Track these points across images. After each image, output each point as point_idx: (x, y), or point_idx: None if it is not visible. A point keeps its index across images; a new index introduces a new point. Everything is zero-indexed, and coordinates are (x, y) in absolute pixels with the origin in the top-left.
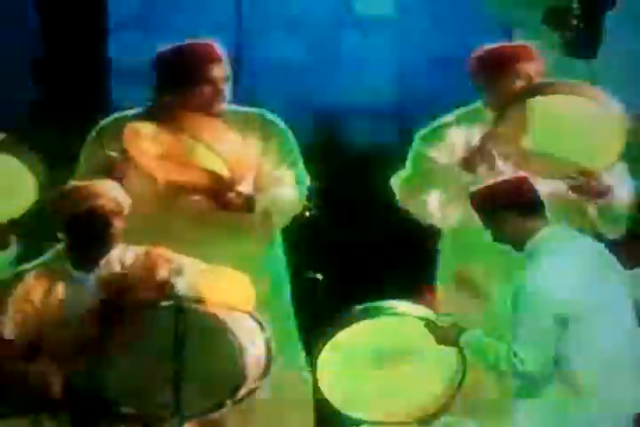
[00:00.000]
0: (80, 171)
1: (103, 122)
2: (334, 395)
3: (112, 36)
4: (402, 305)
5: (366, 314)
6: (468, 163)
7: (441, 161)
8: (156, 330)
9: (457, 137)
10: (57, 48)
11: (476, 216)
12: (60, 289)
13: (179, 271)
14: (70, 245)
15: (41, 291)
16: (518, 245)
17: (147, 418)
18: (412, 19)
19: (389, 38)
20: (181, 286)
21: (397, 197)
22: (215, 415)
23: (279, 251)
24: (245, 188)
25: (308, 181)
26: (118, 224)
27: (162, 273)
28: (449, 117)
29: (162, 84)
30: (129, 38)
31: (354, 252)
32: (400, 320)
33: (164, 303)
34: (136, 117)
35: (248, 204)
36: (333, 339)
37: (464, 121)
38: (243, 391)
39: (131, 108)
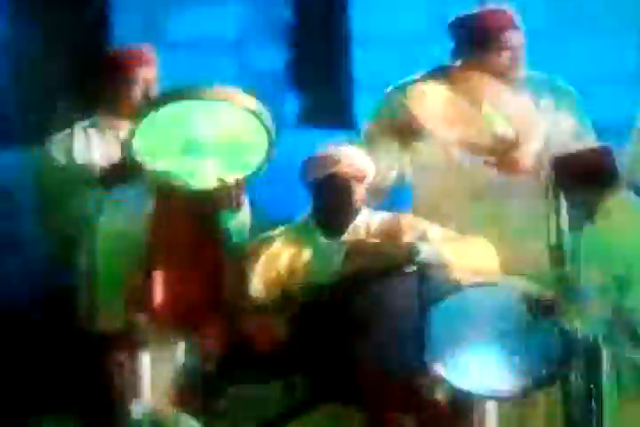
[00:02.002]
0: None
1: (401, 83)
2: None
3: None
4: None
5: None
6: None
7: None
8: (400, 296)
9: None
10: (304, 15)
11: None
12: (307, 255)
13: (424, 238)
14: (316, 212)
15: (287, 257)
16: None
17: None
18: None
19: (631, 4)
20: (426, 252)
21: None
22: None
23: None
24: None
25: None
26: (361, 190)
27: (407, 239)
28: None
29: (460, 48)
30: (372, 5)
31: None
32: None
33: (409, 269)
34: (425, 78)
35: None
36: None
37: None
38: None
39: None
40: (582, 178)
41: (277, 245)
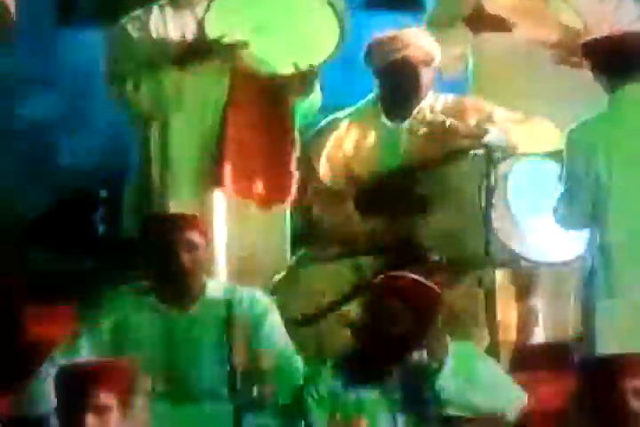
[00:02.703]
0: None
1: None
2: None
3: None
4: None
5: None
6: None
7: None
8: (466, 178)
9: None
10: None
11: None
12: (372, 137)
13: (490, 120)
14: (382, 95)
15: (353, 139)
16: None
17: (455, 265)
18: None
19: None
20: (492, 134)
21: None
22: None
23: None
24: None
25: None
26: (429, 74)
27: (472, 121)
28: None
29: None
30: None
31: None
32: None
33: (475, 151)
34: None
35: None
36: None
37: None
38: None
39: None
40: (608, 60)
41: (343, 128)
